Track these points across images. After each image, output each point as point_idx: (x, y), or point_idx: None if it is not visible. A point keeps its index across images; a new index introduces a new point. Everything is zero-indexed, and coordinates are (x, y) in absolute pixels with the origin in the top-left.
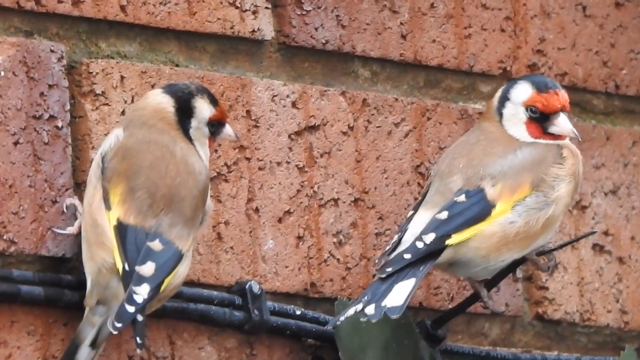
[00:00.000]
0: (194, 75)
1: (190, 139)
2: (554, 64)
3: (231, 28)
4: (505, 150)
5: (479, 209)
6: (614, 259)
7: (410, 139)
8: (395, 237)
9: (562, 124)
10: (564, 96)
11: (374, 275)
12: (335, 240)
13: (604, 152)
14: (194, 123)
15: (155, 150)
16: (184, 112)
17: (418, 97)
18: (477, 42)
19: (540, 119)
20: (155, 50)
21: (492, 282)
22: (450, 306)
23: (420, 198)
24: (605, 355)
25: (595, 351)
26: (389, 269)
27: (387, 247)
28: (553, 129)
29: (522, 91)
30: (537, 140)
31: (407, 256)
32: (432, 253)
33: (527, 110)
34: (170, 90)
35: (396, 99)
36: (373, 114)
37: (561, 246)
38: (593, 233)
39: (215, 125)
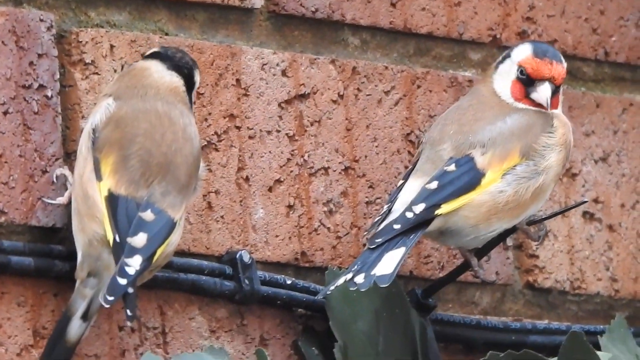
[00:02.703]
0: (183, 43)
1: (191, 110)
2: (543, 32)
3: None
4: (495, 116)
5: (468, 178)
6: (604, 226)
7: (400, 107)
8: (385, 207)
9: (541, 91)
10: (557, 68)
11: (364, 245)
12: (325, 209)
13: (594, 119)
14: (194, 95)
15: (153, 118)
16: (189, 86)
17: (408, 65)
18: (467, 9)
19: (526, 82)
20: (144, 19)
21: (482, 251)
22: (440, 275)
23: (411, 166)
24: (596, 323)
25: (585, 320)
26: (379, 240)
27: (377, 218)
28: (533, 95)
29: (522, 51)
30: (521, 106)
31: (397, 226)
32: (422, 223)
33: (518, 69)
34: (173, 65)
35: (386, 67)
36: (363, 82)
37: (552, 215)
38: (584, 202)
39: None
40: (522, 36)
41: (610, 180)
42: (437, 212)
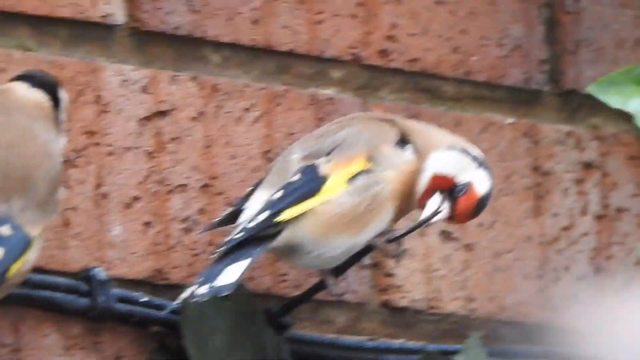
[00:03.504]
0: (44, 60)
1: (57, 128)
2: (405, 50)
3: (82, 13)
4: (356, 125)
5: (310, 185)
6: (461, 246)
7: (259, 125)
8: (228, 210)
9: (433, 206)
10: None
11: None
12: (183, 226)
13: None
14: (61, 114)
15: (15, 132)
16: (55, 103)
17: (269, 83)
18: (329, 27)
19: (451, 194)
20: (5, 34)
21: (339, 270)
22: (296, 293)
23: (263, 175)
24: (451, 343)
25: (441, 339)
26: (222, 248)
27: (217, 219)
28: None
29: (482, 179)
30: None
31: (239, 235)
32: (267, 235)
33: (464, 185)
34: (37, 82)
35: (247, 85)
36: (223, 100)
37: (409, 231)
38: (437, 213)
39: None
40: (384, 55)
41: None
42: (277, 219)
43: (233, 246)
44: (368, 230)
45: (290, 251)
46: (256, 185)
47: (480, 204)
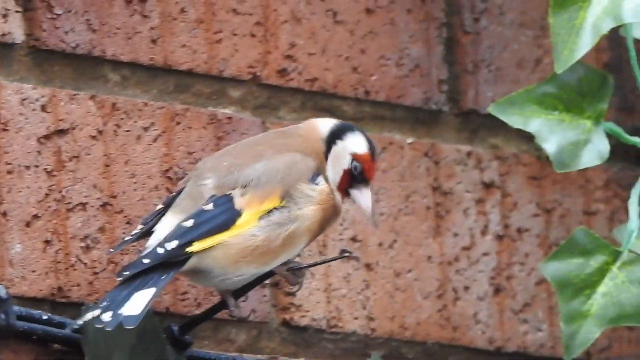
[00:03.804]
0: None
1: None
2: (304, 69)
3: None
4: (271, 157)
5: (224, 218)
6: (362, 265)
7: (159, 144)
8: (138, 229)
9: (365, 197)
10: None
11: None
12: (83, 244)
13: None
14: None
15: None
16: None
17: (168, 102)
18: (228, 47)
19: (355, 178)
20: None
21: (240, 291)
22: (197, 312)
23: (174, 193)
24: None
25: (341, 358)
26: (127, 272)
27: (127, 237)
28: (355, 194)
29: (358, 143)
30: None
31: (146, 261)
32: (175, 262)
33: (352, 161)
34: None
35: (145, 104)
36: (122, 118)
37: (312, 265)
38: (344, 256)
39: None
40: (283, 74)
41: (368, 220)
42: (188, 249)
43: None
44: (278, 260)
45: (198, 275)
46: (167, 205)
47: (373, 155)
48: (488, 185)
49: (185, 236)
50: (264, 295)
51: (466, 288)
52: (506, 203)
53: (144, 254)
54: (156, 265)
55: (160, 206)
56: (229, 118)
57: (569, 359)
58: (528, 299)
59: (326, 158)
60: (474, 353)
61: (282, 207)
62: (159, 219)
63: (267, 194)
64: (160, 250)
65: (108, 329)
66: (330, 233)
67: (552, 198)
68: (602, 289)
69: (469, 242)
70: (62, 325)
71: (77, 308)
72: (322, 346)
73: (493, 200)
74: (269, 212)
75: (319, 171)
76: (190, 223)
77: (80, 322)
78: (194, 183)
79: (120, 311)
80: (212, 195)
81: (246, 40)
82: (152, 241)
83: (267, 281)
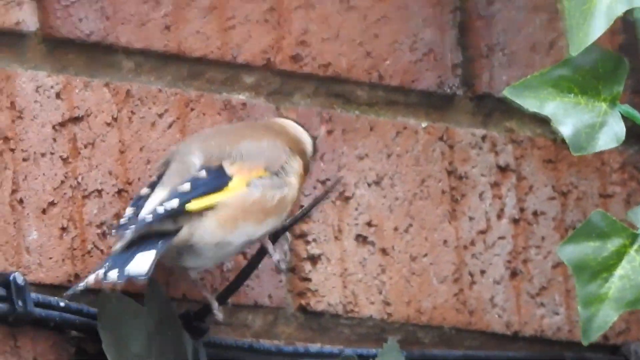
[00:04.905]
0: None
1: None
2: (317, 55)
3: None
4: (253, 138)
5: (217, 182)
6: (377, 250)
7: (173, 130)
8: (129, 211)
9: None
10: None
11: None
12: (99, 231)
13: (368, 142)
14: None
15: None
16: None
17: (181, 89)
18: (241, 33)
19: None
20: None
21: (224, 295)
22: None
23: (155, 178)
24: (368, 347)
25: (358, 343)
26: (128, 230)
27: (122, 220)
28: None
29: None
30: None
31: (149, 218)
32: (169, 231)
33: None
34: None
35: (160, 90)
36: (137, 105)
37: (295, 219)
38: (338, 183)
39: None
40: (296, 59)
41: (383, 204)
42: (188, 206)
43: (134, 240)
44: (270, 222)
45: (189, 248)
46: (151, 187)
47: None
48: (503, 169)
49: (183, 196)
50: (280, 281)
51: (482, 272)
52: (522, 186)
53: (143, 214)
54: (151, 234)
55: (145, 189)
56: (243, 104)
57: (586, 343)
58: (545, 283)
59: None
60: (491, 337)
61: (273, 174)
62: (147, 199)
63: (253, 165)
64: (160, 209)
65: (119, 282)
66: (345, 218)
67: (568, 181)
68: (619, 271)
69: (485, 226)
70: (79, 312)
71: (93, 294)
72: (338, 331)
73: (508, 184)
74: (260, 177)
75: (294, 155)
76: (187, 187)
77: (81, 285)
78: (179, 163)
79: (126, 268)
80: (202, 166)
81: (259, 26)
82: (148, 207)
83: (283, 267)
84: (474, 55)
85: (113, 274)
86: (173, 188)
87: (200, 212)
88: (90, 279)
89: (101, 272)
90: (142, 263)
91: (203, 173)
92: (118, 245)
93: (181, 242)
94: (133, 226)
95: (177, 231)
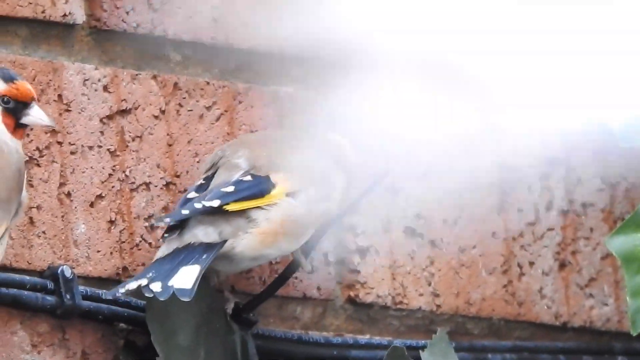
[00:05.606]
0: (5, 59)
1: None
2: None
3: (42, 12)
4: (301, 151)
5: (260, 187)
6: (426, 242)
7: (221, 123)
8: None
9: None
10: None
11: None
12: (146, 224)
13: None
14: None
15: None
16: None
17: (229, 81)
18: (289, 25)
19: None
20: None
21: (257, 299)
22: (261, 290)
23: (202, 180)
24: (417, 338)
25: (407, 334)
26: (167, 220)
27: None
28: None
29: None
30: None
31: (185, 212)
32: (214, 244)
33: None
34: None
35: (207, 83)
36: (184, 98)
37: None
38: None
39: (10, 103)
40: None
41: (432, 196)
42: (226, 207)
43: (179, 249)
44: (306, 236)
45: (226, 256)
46: (199, 190)
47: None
48: (552, 161)
49: (224, 198)
50: (329, 273)
51: (531, 263)
52: (570, 178)
53: (184, 209)
54: (197, 246)
55: (193, 192)
56: (291, 96)
57: (635, 333)
58: (593, 274)
59: None
60: (540, 328)
61: (317, 188)
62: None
63: (298, 177)
64: (198, 205)
65: (161, 299)
66: (393, 211)
67: (617, 172)
68: None
69: (534, 218)
70: (127, 305)
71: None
72: (387, 323)
73: (557, 176)
74: (303, 190)
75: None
76: (230, 188)
77: (122, 290)
78: (225, 169)
79: (170, 283)
80: (247, 171)
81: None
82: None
83: (331, 259)
84: None
85: (156, 287)
86: (217, 188)
87: (245, 229)
88: (132, 285)
89: (144, 282)
90: (186, 278)
91: (248, 177)
92: (163, 250)
93: (221, 253)
94: (168, 218)
95: (220, 244)
